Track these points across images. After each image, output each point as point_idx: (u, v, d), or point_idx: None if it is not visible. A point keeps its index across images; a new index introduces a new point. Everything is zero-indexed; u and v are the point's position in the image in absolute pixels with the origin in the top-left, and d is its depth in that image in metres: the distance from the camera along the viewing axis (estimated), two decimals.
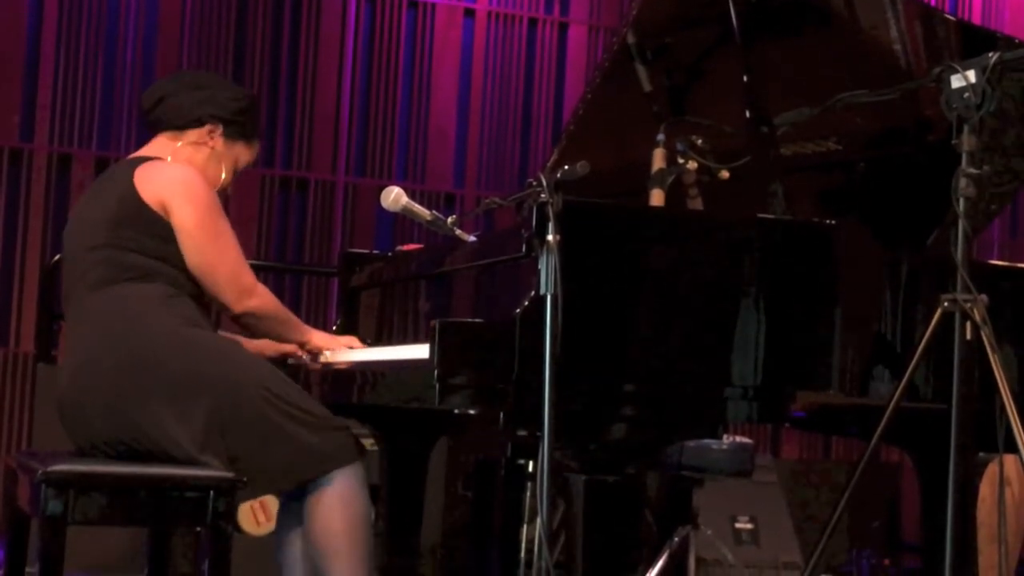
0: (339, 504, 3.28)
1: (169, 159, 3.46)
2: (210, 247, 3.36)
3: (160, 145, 3.51)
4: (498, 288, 3.27)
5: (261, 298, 3.45)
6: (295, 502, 3.37)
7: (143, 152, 3.51)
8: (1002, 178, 3.98)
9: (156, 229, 3.33)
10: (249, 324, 3.50)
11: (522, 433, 3.00)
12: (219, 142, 3.52)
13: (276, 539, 3.50)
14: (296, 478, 3.28)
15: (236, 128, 3.54)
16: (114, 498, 3.13)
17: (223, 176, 3.55)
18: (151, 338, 3.26)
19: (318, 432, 3.27)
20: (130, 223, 3.33)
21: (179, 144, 3.49)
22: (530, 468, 3.96)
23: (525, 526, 3.91)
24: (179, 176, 3.37)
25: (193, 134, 3.50)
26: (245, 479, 3.19)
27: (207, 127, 3.50)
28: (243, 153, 3.59)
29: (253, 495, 3.35)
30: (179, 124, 3.50)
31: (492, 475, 4.57)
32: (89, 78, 6.72)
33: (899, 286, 3.44)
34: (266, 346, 3.71)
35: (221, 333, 3.52)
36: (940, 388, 3.32)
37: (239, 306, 3.41)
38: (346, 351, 3.57)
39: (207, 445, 3.19)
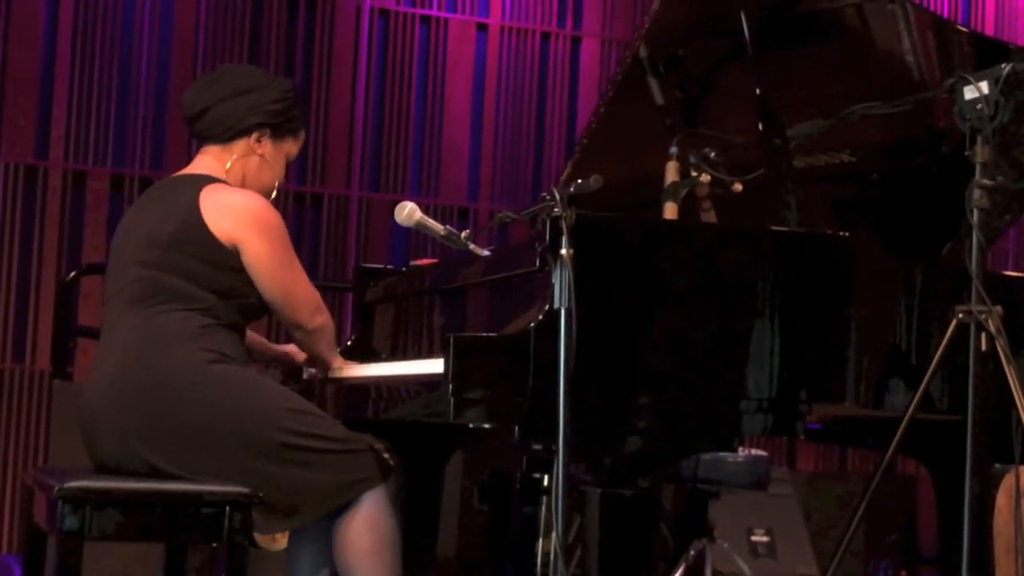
0: (366, 526, 3.27)
1: (224, 174, 3.46)
2: (284, 278, 3.41)
3: (212, 160, 3.49)
4: (512, 302, 3.27)
5: (326, 314, 3.54)
6: None
7: (198, 169, 3.50)
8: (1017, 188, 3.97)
9: (211, 256, 3.33)
10: (313, 340, 3.55)
11: (537, 447, 3.01)
12: (267, 147, 3.52)
13: (289, 555, 3.50)
14: (325, 509, 3.27)
15: (282, 127, 3.54)
16: (131, 514, 3.13)
17: (276, 176, 3.57)
18: (173, 374, 3.24)
19: (342, 460, 3.26)
20: (185, 248, 3.33)
21: (230, 161, 3.48)
22: (545, 482, 3.95)
23: (541, 540, 3.90)
24: (250, 208, 3.38)
25: (241, 146, 3.50)
26: (264, 500, 3.19)
27: (254, 135, 3.50)
28: (292, 147, 3.60)
29: (281, 529, 3.34)
30: (226, 137, 3.49)
31: (507, 488, 4.57)
32: (104, 95, 6.74)
33: (914, 297, 3.43)
34: (294, 351, 3.73)
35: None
36: (955, 399, 3.32)
37: (312, 323, 3.49)
38: (361, 366, 3.58)
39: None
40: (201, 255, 3.33)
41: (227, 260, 3.34)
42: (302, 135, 3.63)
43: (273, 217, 3.40)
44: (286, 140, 3.56)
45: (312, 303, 3.49)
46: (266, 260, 3.37)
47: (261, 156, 3.51)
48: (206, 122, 3.48)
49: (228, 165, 3.48)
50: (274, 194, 3.57)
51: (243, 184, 3.50)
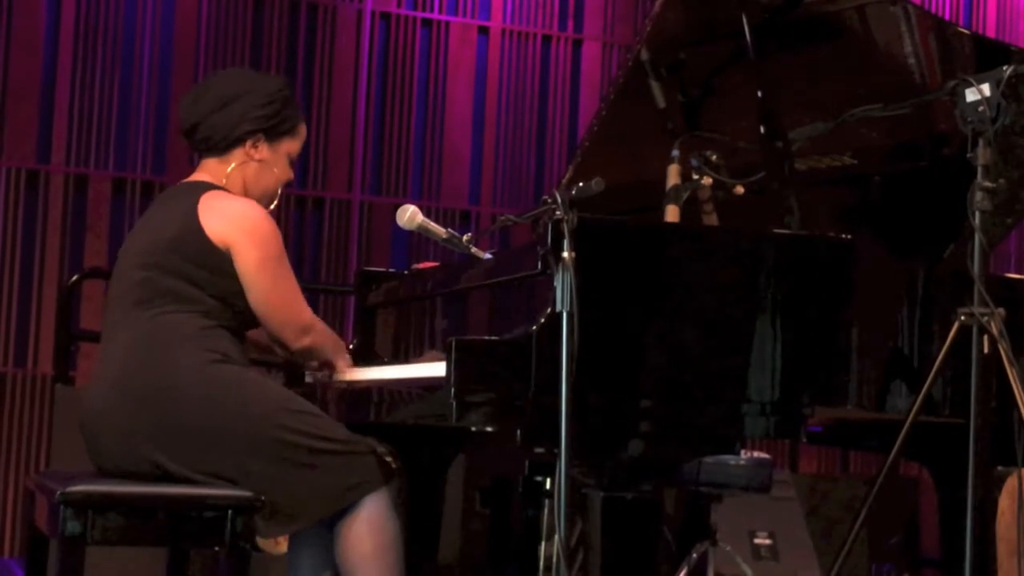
0: (368, 529, 3.27)
1: (224, 182, 3.48)
2: (271, 289, 3.39)
3: (211, 170, 3.51)
4: (514, 305, 3.27)
5: (317, 335, 3.50)
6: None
7: (200, 176, 3.52)
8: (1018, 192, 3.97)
9: (209, 260, 3.34)
10: (302, 356, 3.56)
11: (539, 450, 3.00)
12: (263, 150, 3.52)
13: (289, 558, 3.50)
14: (325, 511, 3.27)
15: (277, 129, 3.54)
16: (133, 518, 3.13)
17: (279, 177, 3.57)
18: (176, 374, 3.26)
19: (343, 462, 3.26)
20: (183, 251, 3.34)
21: (228, 169, 3.50)
22: (548, 485, 3.95)
23: (543, 543, 3.90)
24: (246, 215, 3.39)
25: (237, 154, 3.50)
26: (265, 503, 3.19)
27: (248, 142, 3.50)
28: (292, 145, 3.59)
29: (282, 532, 3.33)
30: (220, 149, 3.50)
31: (510, 492, 4.57)
32: (105, 99, 6.74)
33: (916, 300, 3.43)
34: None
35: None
36: (958, 402, 3.32)
37: (296, 344, 3.47)
38: (363, 370, 3.58)
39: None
40: (198, 259, 3.34)
41: (223, 265, 3.36)
42: (302, 131, 3.62)
43: (268, 227, 3.40)
44: (283, 141, 3.56)
45: (299, 323, 3.46)
46: (254, 270, 3.37)
47: (260, 161, 3.52)
48: (199, 137, 3.51)
49: (229, 169, 3.49)
50: (274, 203, 3.58)
51: (244, 190, 3.51)
